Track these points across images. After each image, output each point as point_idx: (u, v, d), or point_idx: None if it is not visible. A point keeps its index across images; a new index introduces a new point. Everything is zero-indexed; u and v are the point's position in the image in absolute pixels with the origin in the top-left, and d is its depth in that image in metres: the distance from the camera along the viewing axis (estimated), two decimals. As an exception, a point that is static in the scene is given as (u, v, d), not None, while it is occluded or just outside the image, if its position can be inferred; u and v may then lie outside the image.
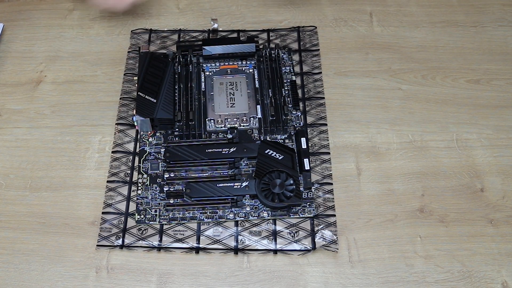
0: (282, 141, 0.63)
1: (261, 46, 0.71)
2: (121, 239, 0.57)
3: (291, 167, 0.59)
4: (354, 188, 0.61)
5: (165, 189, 0.60)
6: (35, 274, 0.56)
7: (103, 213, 0.59)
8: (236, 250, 0.57)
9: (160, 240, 0.57)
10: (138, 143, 0.64)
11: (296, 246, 0.57)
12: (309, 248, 0.56)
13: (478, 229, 0.58)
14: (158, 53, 0.70)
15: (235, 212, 0.58)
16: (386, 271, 0.55)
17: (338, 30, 0.75)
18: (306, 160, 0.60)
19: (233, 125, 0.64)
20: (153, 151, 0.63)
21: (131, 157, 0.63)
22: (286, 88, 0.67)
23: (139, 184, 0.61)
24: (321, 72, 0.70)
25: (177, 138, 0.64)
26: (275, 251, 0.57)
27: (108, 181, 0.61)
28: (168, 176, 0.60)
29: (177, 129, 0.64)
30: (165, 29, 0.75)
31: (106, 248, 0.57)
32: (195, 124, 0.65)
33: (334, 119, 0.66)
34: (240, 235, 0.58)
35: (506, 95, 0.68)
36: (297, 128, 0.64)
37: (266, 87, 0.67)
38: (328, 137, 0.64)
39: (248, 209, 0.59)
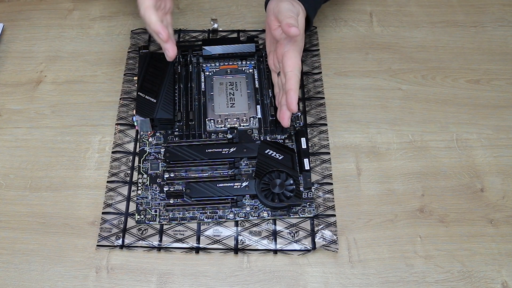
0: (282, 141, 0.63)
1: (261, 46, 0.71)
2: (121, 239, 0.57)
3: (291, 167, 0.59)
4: (354, 188, 0.61)
5: (165, 189, 0.60)
6: (35, 274, 0.56)
7: (103, 213, 0.59)
8: (236, 250, 0.57)
9: (160, 240, 0.57)
10: (138, 143, 0.64)
11: (296, 246, 0.57)
12: (309, 248, 0.56)
13: (478, 229, 0.58)
14: (158, 53, 0.69)
15: (235, 212, 0.58)
16: (386, 271, 0.55)
17: (338, 30, 0.75)
18: (306, 160, 0.60)
19: (233, 125, 0.64)
20: (153, 151, 0.63)
21: (131, 157, 0.63)
22: (286, 88, 0.67)
23: (139, 184, 0.61)
24: (321, 72, 0.70)
25: (177, 138, 0.64)
26: (275, 251, 0.57)
27: (108, 181, 0.61)
28: (168, 176, 0.60)
29: (177, 129, 0.64)
30: (165, 29, 0.75)
31: (106, 248, 0.57)
32: (195, 124, 0.65)
33: (334, 119, 0.66)
34: (240, 235, 0.58)
35: (506, 95, 0.68)
36: (297, 128, 0.64)
37: (266, 87, 0.67)
38: (328, 137, 0.64)
39: (248, 209, 0.59)
